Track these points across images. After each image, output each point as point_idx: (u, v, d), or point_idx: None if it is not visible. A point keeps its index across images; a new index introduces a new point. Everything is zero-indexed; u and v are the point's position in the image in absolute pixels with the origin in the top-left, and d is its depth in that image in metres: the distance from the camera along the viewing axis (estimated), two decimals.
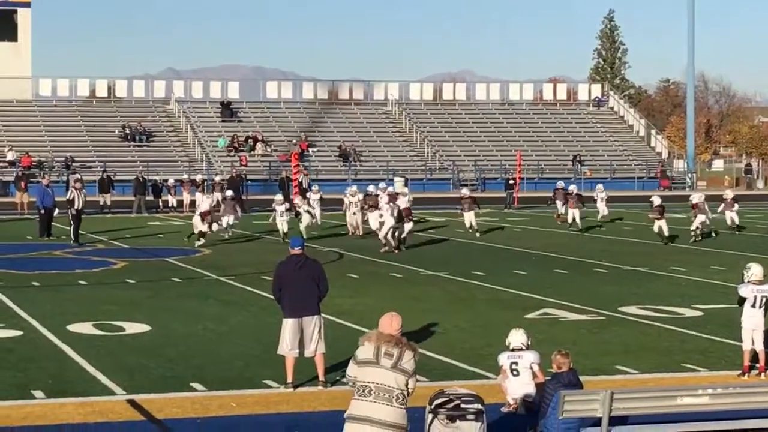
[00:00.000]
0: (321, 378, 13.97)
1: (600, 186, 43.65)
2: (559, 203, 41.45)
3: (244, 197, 49.62)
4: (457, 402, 10.07)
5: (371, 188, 36.50)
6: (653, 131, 77.23)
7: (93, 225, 38.94)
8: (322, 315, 14.28)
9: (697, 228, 34.09)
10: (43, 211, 35.17)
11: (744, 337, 14.81)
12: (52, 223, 35.29)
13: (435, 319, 18.92)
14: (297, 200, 37.68)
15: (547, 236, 36.68)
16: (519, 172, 58.74)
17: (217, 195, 35.28)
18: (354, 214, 36.02)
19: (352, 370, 9.37)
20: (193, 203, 44.45)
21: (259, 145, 65.44)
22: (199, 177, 50.98)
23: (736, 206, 36.90)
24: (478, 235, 35.51)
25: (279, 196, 35.39)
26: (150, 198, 50.24)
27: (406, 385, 9.22)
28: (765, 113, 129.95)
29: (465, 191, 37.55)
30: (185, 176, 52.29)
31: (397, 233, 31.18)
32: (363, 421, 9.14)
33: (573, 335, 17.60)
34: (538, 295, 21.94)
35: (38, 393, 13.58)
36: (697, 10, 76.02)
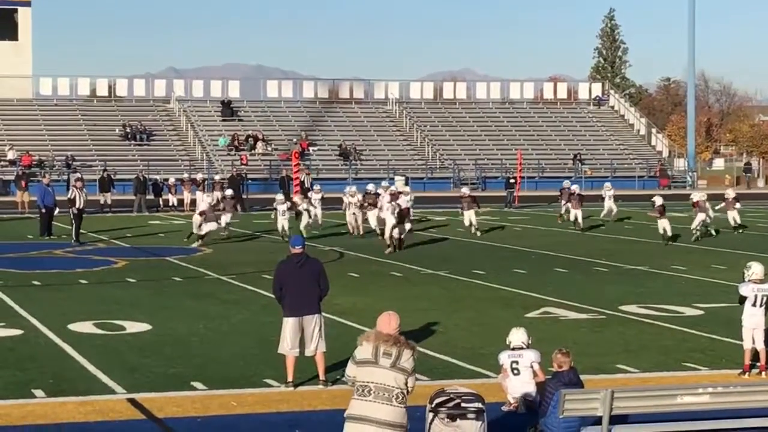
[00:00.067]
0: (321, 377, 13.97)
1: (608, 184, 43.65)
2: (563, 202, 41.48)
3: (244, 196, 49.69)
4: (458, 401, 10.07)
5: (370, 187, 36.51)
6: (654, 130, 77.26)
7: (94, 224, 38.94)
8: (323, 314, 14.28)
9: (697, 226, 34.09)
10: (43, 210, 35.17)
11: (744, 335, 14.82)
12: (53, 223, 35.29)
13: (435, 318, 18.92)
14: (297, 198, 37.70)
15: (548, 235, 36.69)
16: (519, 171, 58.74)
17: (217, 194, 35.24)
18: (353, 214, 36.03)
19: (351, 370, 9.36)
20: (193, 202, 44.44)
21: (259, 144, 65.44)
22: (199, 176, 50.94)
23: (738, 205, 36.88)
24: (478, 234, 35.51)
25: (280, 196, 35.43)
26: (150, 197, 50.24)
27: (406, 383, 9.22)
28: (765, 112, 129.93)
29: (465, 190, 37.61)
30: (186, 175, 52.29)
31: (395, 233, 31.13)
32: (363, 421, 9.14)
33: (573, 334, 17.60)
34: (539, 294, 21.93)
35: (39, 392, 13.58)
36: (697, 9, 76.28)
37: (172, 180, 51.46)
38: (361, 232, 35.45)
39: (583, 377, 12.03)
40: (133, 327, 18.13)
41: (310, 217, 35.75)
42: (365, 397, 9.19)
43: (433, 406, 10.11)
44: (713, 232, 34.88)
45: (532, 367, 12.76)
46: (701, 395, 11.03)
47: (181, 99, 69.54)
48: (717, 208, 36.29)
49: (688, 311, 20.02)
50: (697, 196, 35.42)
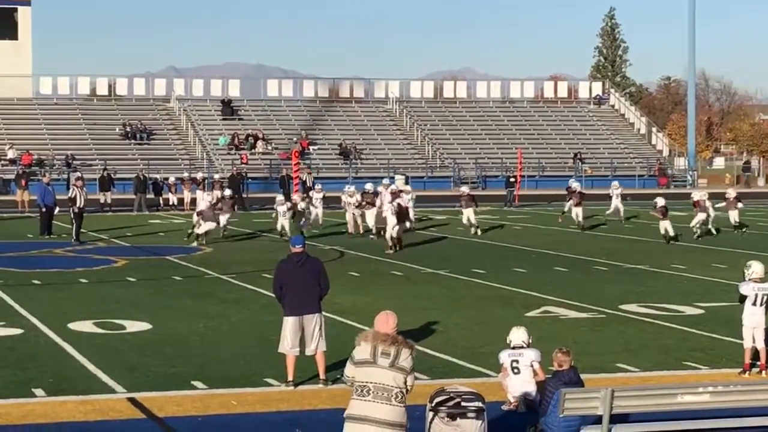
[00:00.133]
0: (321, 376, 13.97)
1: (615, 183, 43.55)
2: (572, 202, 41.40)
3: (244, 195, 49.69)
4: (458, 400, 10.06)
5: (368, 186, 36.53)
6: (654, 129, 77.24)
7: (94, 223, 38.93)
8: (323, 313, 14.28)
9: (697, 225, 34.08)
10: (44, 209, 35.17)
11: (745, 334, 14.81)
12: (53, 222, 35.30)
13: (435, 317, 18.92)
14: (296, 197, 37.72)
15: (548, 234, 36.69)
16: (520, 169, 58.71)
17: (217, 193, 35.27)
18: (353, 213, 36.03)
19: (349, 370, 9.35)
20: (193, 201, 44.46)
21: (259, 143, 65.44)
22: (199, 175, 50.93)
23: (740, 204, 36.82)
24: (478, 232, 35.52)
25: (280, 197, 35.53)
26: (151, 196, 50.25)
27: (405, 383, 9.21)
28: (766, 111, 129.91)
29: (464, 189, 37.67)
30: (186, 174, 52.30)
31: (394, 232, 31.11)
32: (362, 421, 9.13)
33: (574, 333, 17.60)
34: (539, 293, 21.93)
35: (39, 391, 13.58)
36: (697, 8, 76.16)
37: (172, 179, 51.46)
38: (362, 231, 35.47)
39: (583, 376, 12.02)
40: (133, 326, 18.13)
41: (307, 217, 35.74)
42: (364, 397, 9.18)
43: (433, 405, 10.11)
44: (714, 231, 34.87)
45: (532, 366, 12.75)
46: (701, 394, 11.02)
47: (181, 98, 69.52)
48: (717, 206, 36.29)
49: (689, 310, 20.02)
50: (697, 195, 35.41)
